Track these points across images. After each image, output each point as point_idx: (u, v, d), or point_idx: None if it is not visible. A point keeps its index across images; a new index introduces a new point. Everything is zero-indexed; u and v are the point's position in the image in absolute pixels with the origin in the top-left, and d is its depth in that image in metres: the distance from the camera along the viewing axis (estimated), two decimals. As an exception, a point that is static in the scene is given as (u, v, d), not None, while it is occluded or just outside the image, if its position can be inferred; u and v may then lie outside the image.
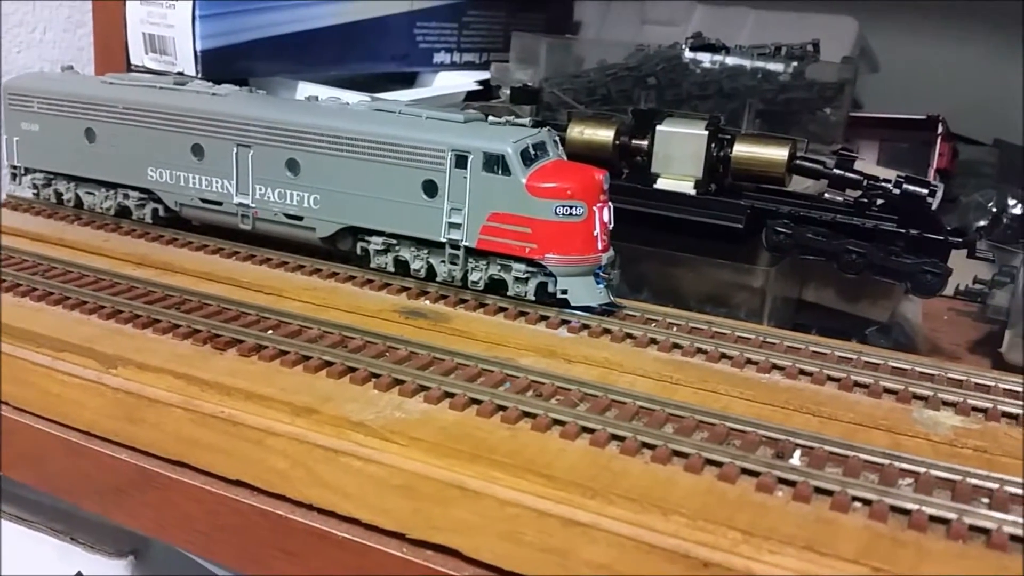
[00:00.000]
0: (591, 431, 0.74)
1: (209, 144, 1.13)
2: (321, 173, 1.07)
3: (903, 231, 1.09)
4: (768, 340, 0.96)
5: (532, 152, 0.98)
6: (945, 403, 0.84)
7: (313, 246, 1.11)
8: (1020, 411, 0.82)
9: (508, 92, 1.37)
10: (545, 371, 0.83)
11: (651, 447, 0.72)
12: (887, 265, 1.10)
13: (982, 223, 1.44)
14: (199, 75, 1.33)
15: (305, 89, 1.46)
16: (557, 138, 1.04)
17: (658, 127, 1.19)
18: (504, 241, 0.98)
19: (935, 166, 1.54)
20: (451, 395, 0.79)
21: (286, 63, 1.46)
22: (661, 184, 1.20)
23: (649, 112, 1.23)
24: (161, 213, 1.21)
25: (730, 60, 1.40)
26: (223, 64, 1.36)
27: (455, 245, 1.01)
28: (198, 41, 1.32)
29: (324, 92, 1.44)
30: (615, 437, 0.73)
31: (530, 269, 0.99)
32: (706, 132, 1.17)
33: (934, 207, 1.28)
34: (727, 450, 0.70)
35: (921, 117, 1.56)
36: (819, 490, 0.67)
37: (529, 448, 0.72)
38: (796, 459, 0.71)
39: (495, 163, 0.97)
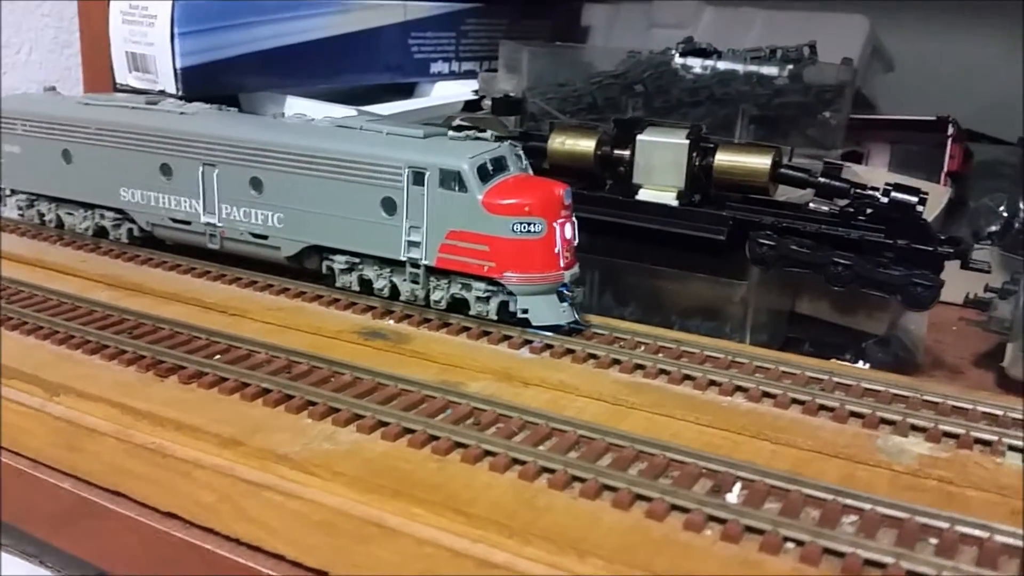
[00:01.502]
0: (522, 463, 0.70)
1: (177, 163, 1.12)
2: (284, 191, 1.05)
3: (890, 241, 1.04)
4: (737, 359, 0.92)
5: (490, 168, 0.95)
6: (915, 428, 0.79)
7: (283, 265, 1.09)
8: (995, 438, 0.77)
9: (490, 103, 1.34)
10: (490, 397, 0.80)
11: (581, 480, 0.68)
12: (875, 277, 1.05)
13: (993, 228, 1.38)
14: (180, 93, 1.32)
15: (294, 104, 1.44)
16: (520, 152, 1.00)
17: (639, 137, 1.16)
18: (463, 259, 0.95)
19: (946, 169, 1.47)
20: (384, 424, 0.76)
21: (274, 78, 1.44)
22: (643, 195, 1.16)
23: (631, 121, 1.19)
24: (136, 233, 1.20)
25: (722, 65, 1.35)
26: (206, 81, 1.34)
27: (415, 264, 0.98)
28: (178, 59, 1.31)
29: (313, 106, 1.43)
30: (546, 469, 0.70)
31: (491, 288, 0.96)
32: (687, 141, 1.13)
33: (925, 215, 1.22)
34: (659, 484, 0.66)
35: (931, 118, 1.49)
36: (752, 529, 0.63)
37: (454, 482, 0.69)
38: (735, 494, 0.67)
39: (452, 179, 0.94)
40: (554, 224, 0.94)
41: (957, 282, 1.08)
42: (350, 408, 0.78)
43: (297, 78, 1.47)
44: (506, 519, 0.64)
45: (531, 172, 1.01)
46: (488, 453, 0.72)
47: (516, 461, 0.71)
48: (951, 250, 1.02)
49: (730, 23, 1.83)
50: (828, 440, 0.77)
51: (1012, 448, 0.76)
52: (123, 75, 1.38)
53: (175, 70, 1.31)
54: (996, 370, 1.11)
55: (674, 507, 0.65)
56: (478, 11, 1.76)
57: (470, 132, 0.99)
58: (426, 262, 0.97)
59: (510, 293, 0.95)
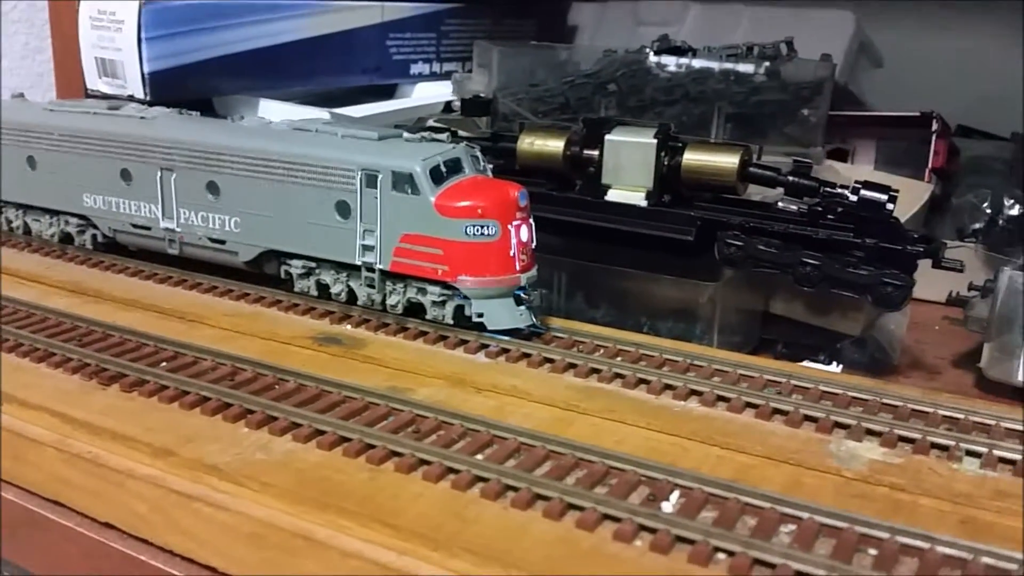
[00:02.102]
0: (457, 472, 0.68)
1: (136, 169, 1.10)
2: (240, 195, 1.03)
3: (858, 240, 1.02)
4: (696, 363, 0.90)
5: (443, 169, 0.93)
6: (870, 432, 0.77)
7: (244, 270, 1.08)
8: (952, 442, 0.74)
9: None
10: (433, 405, 0.78)
11: (515, 490, 0.66)
12: (844, 277, 1.02)
13: (977, 226, 1.35)
14: (148, 98, 1.31)
15: (267, 107, 1.43)
16: (478, 154, 0.98)
17: (607, 136, 1.13)
18: (417, 263, 0.94)
19: (930, 165, 1.44)
20: (321, 433, 0.74)
21: (246, 81, 1.43)
22: (612, 196, 1.14)
23: (599, 121, 1.17)
24: (100, 239, 1.19)
25: (697, 63, 1.33)
26: (174, 85, 1.33)
27: (371, 268, 0.97)
28: (145, 64, 1.30)
29: (286, 109, 1.42)
30: (480, 479, 0.68)
31: (445, 292, 0.94)
32: (654, 141, 1.11)
33: (901, 213, 1.20)
34: (592, 494, 0.64)
35: (914, 114, 1.47)
36: (684, 539, 0.61)
37: (384, 493, 0.67)
38: (671, 503, 0.65)
39: (404, 182, 0.92)
40: (509, 226, 0.92)
41: (941, 280, 1.06)
42: (287, 417, 0.76)
43: (270, 81, 1.46)
44: (432, 531, 0.62)
45: (490, 174, 0.99)
46: (423, 462, 0.70)
47: (450, 470, 0.69)
48: (920, 249, 1.00)
49: (716, 21, 1.81)
50: (778, 445, 0.75)
51: (970, 453, 0.74)
52: (93, 81, 1.37)
53: (143, 75, 1.30)
54: (975, 371, 1.09)
55: (606, 517, 0.63)
56: (459, 11, 1.74)
57: (426, 134, 0.97)
58: (381, 266, 0.96)
59: (465, 297, 0.93)
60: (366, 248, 0.96)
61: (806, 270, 1.04)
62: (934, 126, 1.43)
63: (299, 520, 0.65)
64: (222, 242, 1.06)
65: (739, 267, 1.08)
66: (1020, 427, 0.77)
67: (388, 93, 1.69)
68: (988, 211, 1.34)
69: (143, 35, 1.29)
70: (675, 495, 0.66)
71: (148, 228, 1.11)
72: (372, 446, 0.72)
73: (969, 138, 1.62)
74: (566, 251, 1.18)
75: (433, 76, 1.72)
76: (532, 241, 0.96)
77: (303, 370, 0.85)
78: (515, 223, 0.92)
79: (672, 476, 0.67)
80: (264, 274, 1.07)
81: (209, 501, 0.69)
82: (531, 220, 0.96)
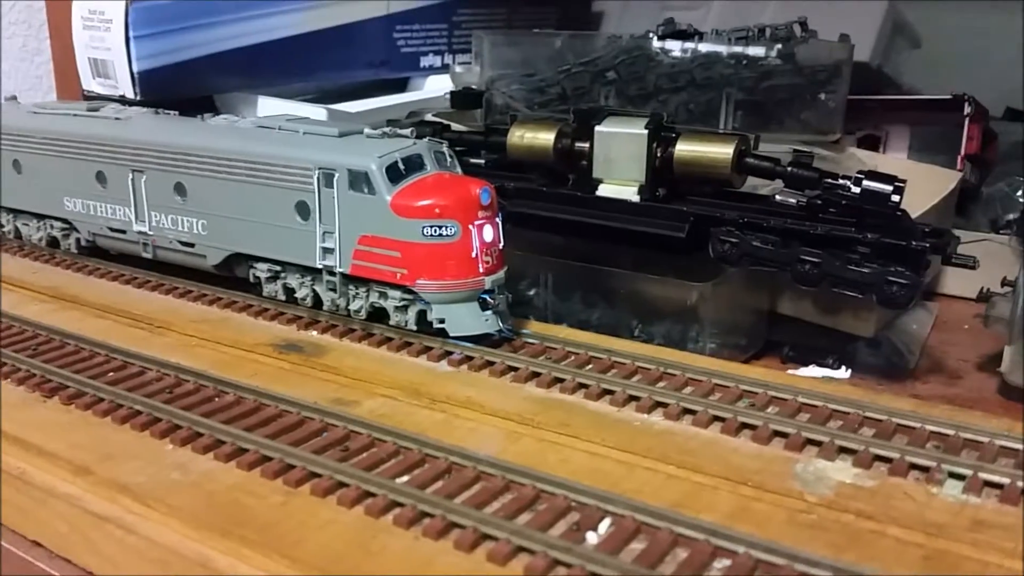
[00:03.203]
0: (373, 496, 0.63)
1: (110, 171, 1.08)
2: (206, 197, 1.00)
3: (859, 236, 0.94)
4: (669, 371, 0.83)
5: (402, 167, 0.88)
6: (844, 451, 0.70)
7: (218, 274, 1.05)
8: (932, 463, 0.67)
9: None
10: (370, 420, 0.74)
11: (430, 516, 0.61)
12: (845, 276, 0.95)
13: (1011, 216, 1.24)
14: (139, 97, 1.28)
15: (265, 104, 1.40)
16: (445, 150, 0.93)
17: (597, 128, 1.07)
18: (375, 266, 0.89)
19: (963, 151, 1.34)
20: (243, 451, 0.70)
21: (243, 78, 1.40)
22: (603, 190, 1.08)
23: (590, 112, 1.10)
24: (82, 243, 1.17)
25: (703, 47, 1.25)
26: (166, 84, 1.31)
27: (332, 271, 0.92)
28: (134, 63, 1.27)
29: (284, 106, 1.38)
30: (396, 504, 0.63)
31: (407, 296, 0.89)
32: (645, 131, 1.04)
33: (922, 203, 1.11)
34: (509, 524, 0.59)
35: (946, 97, 1.37)
36: (600, 577, 0.55)
37: (293, 519, 0.62)
38: (598, 534, 0.59)
39: (361, 181, 0.88)
40: (470, 226, 0.86)
41: (975, 274, 0.97)
42: (212, 434, 0.72)
43: (269, 78, 1.42)
44: (332, 564, 0.57)
45: (458, 170, 0.93)
46: (341, 485, 0.65)
47: (367, 494, 0.64)
48: (926, 244, 0.91)
49: (745, 1, 1.72)
50: (739, 465, 0.68)
51: (953, 476, 0.66)
52: (88, 81, 1.35)
53: (132, 74, 1.28)
54: (999, 375, 1.00)
55: (521, 549, 0.57)
56: (472, 1, 1.68)
57: (388, 130, 0.92)
58: (341, 270, 0.91)
59: (428, 302, 0.88)
60: (326, 251, 0.91)
61: (805, 268, 0.96)
62: (966, 109, 1.33)
63: (202, 547, 0.61)
64: (191, 245, 1.03)
65: (735, 265, 1.01)
66: (1018, 445, 0.69)
67: (399, 87, 1.65)
68: (1022, 200, 1.24)
69: (131, 34, 1.26)
70: (605, 524, 0.60)
71: (123, 232, 1.09)
72: (291, 467, 0.67)
73: (1018, 122, 1.51)
74: (557, 250, 1.13)
75: (445, 69, 1.66)
76: (499, 241, 0.90)
77: (245, 382, 0.81)
78: (477, 223, 0.87)
79: (605, 502, 0.61)
80: (233, 278, 1.04)
81: (121, 523, 0.65)
82: (497, 219, 0.90)
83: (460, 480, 0.65)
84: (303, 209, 0.92)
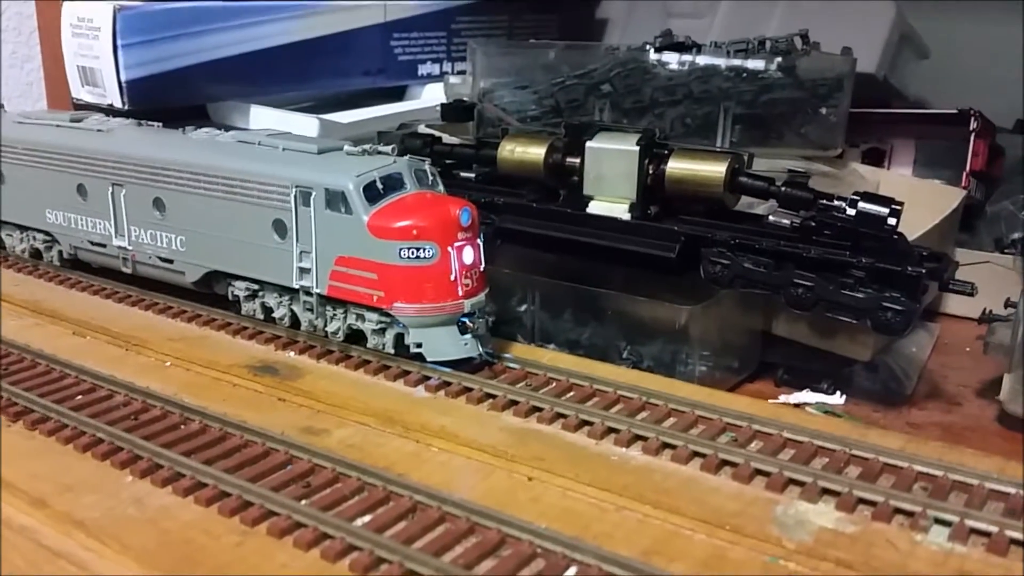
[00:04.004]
0: (331, 538, 0.61)
1: (90, 184, 1.06)
2: (184, 213, 0.98)
3: (854, 260, 0.91)
4: (652, 401, 0.81)
5: (380, 186, 0.85)
6: (827, 492, 0.67)
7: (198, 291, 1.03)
8: (918, 508, 0.64)
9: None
10: (336, 453, 0.71)
11: (387, 562, 0.58)
12: (839, 300, 0.92)
13: (1016, 236, 1.21)
14: (126, 106, 1.26)
15: (257, 113, 1.38)
16: (427, 168, 0.90)
17: (587, 143, 1.05)
18: (352, 288, 0.87)
19: (969, 167, 1.31)
20: (202, 486, 0.68)
21: (235, 87, 1.38)
22: (594, 208, 1.05)
23: (581, 126, 1.08)
24: (65, 255, 1.15)
25: (701, 59, 1.22)
26: (156, 93, 1.29)
27: (309, 292, 0.90)
28: (122, 71, 1.25)
29: (275, 115, 1.36)
30: (353, 548, 0.60)
31: (384, 319, 0.87)
32: (637, 148, 1.01)
33: (921, 223, 1.08)
34: (468, 574, 0.56)
35: (951, 111, 1.33)
36: (559, 633, 0.52)
37: (247, 562, 0.60)
38: (562, 582, 0.56)
39: (338, 200, 0.85)
40: (449, 248, 0.84)
41: (979, 294, 0.94)
42: (172, 466, 0.70)
43: (261, 86, 1.40)
44: (282, 611, 0.55)
45: (440, 189, 0.91)
46: (299, 525, 0.62)
47: (325, 536, 0.61)
48: (922, 270, 0.88)
49: (749, 11, 1.69)
50: (717, 506, 0.66)
51: (939, 522, 0.63)
52: (77, 89, 1.34)
53: (120, 83, 1.26)
54: (999, 403, 0.97)
55: (477, 601, 0.55)
56: (472, 8, 1.66)
57: (368, 147, 0.90)
58: (318, 290, 0.89)
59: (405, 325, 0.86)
60: (303, 271, 0.89)
61: (798, 292, 0.94)
62: (972, 124, 1.29)
63: (152, 590, 0.59)
64: (171, 261, 1.01)
65: (726, 287, 0.98)
66: (1009, 488, 0.66)
67: (398, 95, 1.63)
68: (1027, 219, 1.21)
69: (119, 42, 1.25)
70: (570, 573, 0.57)
71: (103, 245, 1.07)
72: (250, 504, 0.65)
73: (1029, 136, 1.47)
74: (547, 267, 1.10)
75: (456, 76, 1.63)
76: (480, 263, 0.87)
77: (212, 410, 0.78)
78: (457, 244, 0.84)
79: (572, 549, 0.58)
80: (213, 295, 1.02)
81: (74, 560, 0.63)
82: (479, 240, 0.87)
83: (424, 521, 0.62)
84: (280, 227, 0.90)
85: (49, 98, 1.40)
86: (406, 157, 0.89)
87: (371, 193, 0.85)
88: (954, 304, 1.24)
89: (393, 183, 0.86)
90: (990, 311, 0.98)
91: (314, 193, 0.86)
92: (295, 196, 0.87)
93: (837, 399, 0.99)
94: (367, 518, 0.63)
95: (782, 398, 0.99)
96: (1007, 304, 0.98)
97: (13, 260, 1.23)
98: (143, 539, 0.63)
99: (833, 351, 1.04)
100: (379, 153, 0.90)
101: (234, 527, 0.64)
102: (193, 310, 1.03)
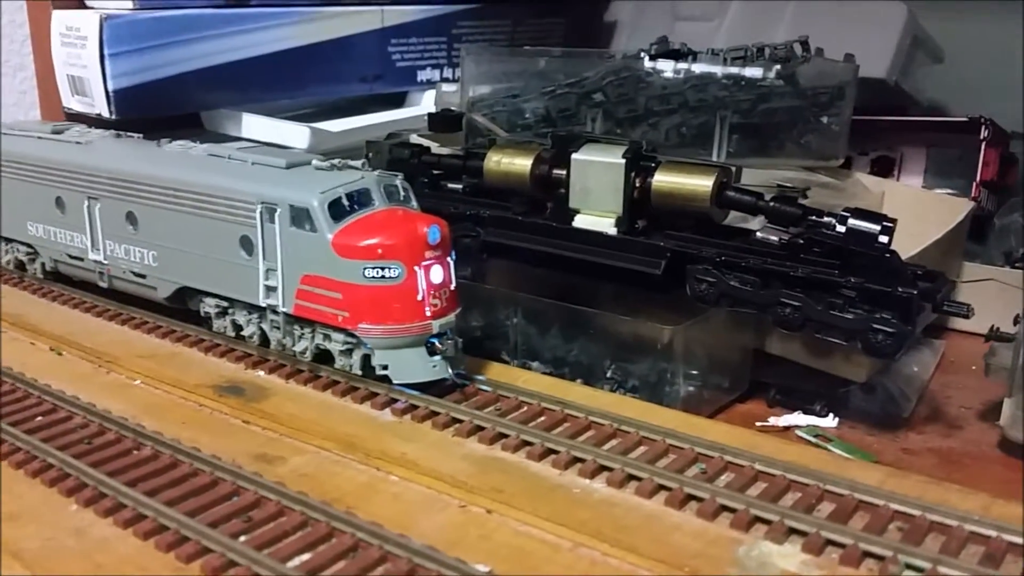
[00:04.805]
0: (264, 577, 0.58)
1: (68, 197, 1.04)
2: (156, 227, 0.96)
3: (842, 279, 0.87)
4: (622, 428, 0.77)
5: (346, 203, 0.83)
6: (794, 532, 0.63)
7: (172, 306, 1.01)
8: (889, 553, 0.60)
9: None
10: (281, 485, 0.68)
11: (319, 608, 0.56)
12: (828, 321, 0.88)
13: (1024, 250, 1.16)
14: (113, 116, 1.25)
15: (249, 121, 1.36)
16: (399, 183, 0.88)
17: (573, 155, 1.01)
18: (318, 308, 0.84)
19: (979, 178, 1.26)
20: (143, 517, 0.65)
21: (227, 95, 1.36)
22: (579, 222, 1.02)
23: (568, 137, 1.05)
24: (48, 267, 1.14)
25: (697, 67, 1.18)
26: (145, 102, 1.27)
27: (276, 310, 0.87)
28: (109, 81, 1.24)
29: (266, 123, 1.34)
30: (287, 589, 0.57)
31: (350, 340, 0.84)
32: (623, 160, 0.98)
33: (921, 237, 1.04)
34: (397, 619, 0.53)
35: (962, 119, 1.28)
36: None
37: (174, 601, 0.58)
38: (496, 633, 0.53)
39: (303, 217, 0.83)
40: (416, 268, 0.81)
41: (988, 309, 0.92)
42: (116, 496, 0.67)
43: (254, 94, 1.38)
44: (202, 659, 0.52)
45: (413, 205, 0.88)
46: (232, 564, 0.60)
47: None
48: (913, 291, 0.84)
49: (759, 15, 1.65)
50: (678, 546, 0.62)
51: (911, 567, 0.59)
52: (67, 99, 1.32)
53: (107, 93, 1.24)
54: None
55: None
56: (473, 13, 1.63)
57: (336, 161, 0.87)
58: (284, 309, 0.86)
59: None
60: (269, 289, 0.87)
61: (786, 311, 0.90)
62: (983, 132, 1.24)
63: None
64: (144, 276, 0.99)
65: (712, 305, 0.94)
66: (990, 531, 0.62)
67: (397, 102, 1.60)
68: (1036, 234, 1.16)
69: (106, 51, 1.23)
70: (508, 621, 0.54)
71: (81, 259, 1.05)
72: (186, 539, 0.62)
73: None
74: (532, 282, 1.07)
75: (445, 83, 1.61)
76: (450, 282, 0.85)
77: (167, 436, 0.76)
78: (425, 263, 0.82)
79: (509, 595, 0.55)
80: (190, 310, 1.00)
81: (4, 602, 0.61)
82: (449, 258, 0.84)
83: (363, 561, 0.60)
84: (247, 244, 0.88)
85: (42, 106, 1.39)
86: (376, 172, 0.86)
87: (336, 210, 0.82)
88: (961, 320, 1.20)
89: (361, 199, 0.84)
90: (997, 328, 0.94)
91: (279, 209, 0.84)
92: (260, 212, 0.85)
93: (829, 422, 0.96)
94: (305, 556, 0.61)
95: (772, 420, 0.96)
96: (1016, 321, 0.94)
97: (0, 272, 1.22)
98: (76, 572, 0.60)
99: (828, 371, 1.00)
100: (349, 167, 0.87)
101: (169, 563, 0.61)
102: (168, 325, 1.01)
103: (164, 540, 0.63)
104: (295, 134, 1.31)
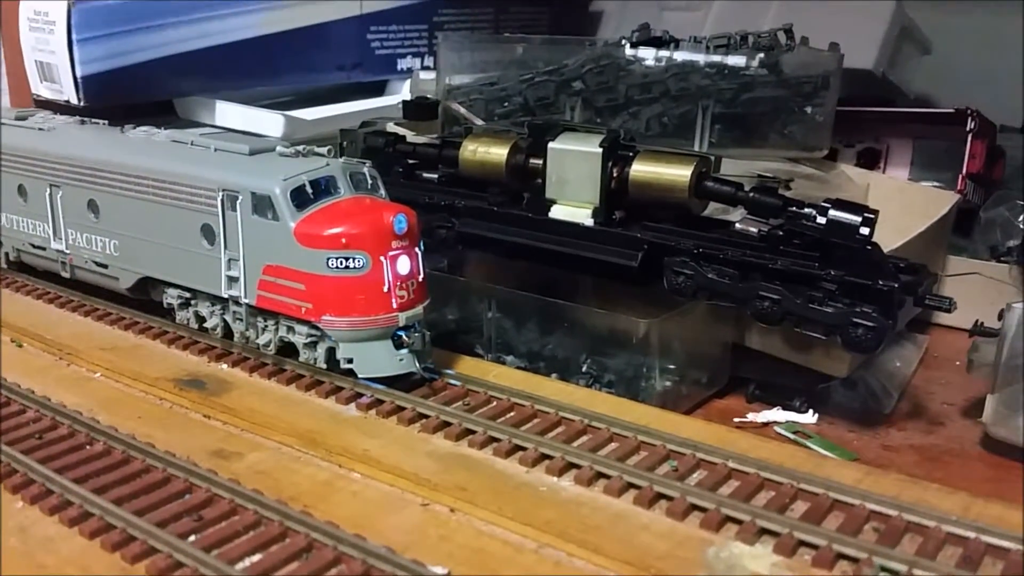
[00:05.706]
0: (212, 581, 0.56)
1: (30, 185, 1.02)
2: (117, 216, 0.93)
3: (822, 272, 0.85)
4: (593, 424, 0.75)
5: (310, 191, 0.80)
6: (766, 532, 0.61)
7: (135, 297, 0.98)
8: (863, 555, 0.58)
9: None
10: (234, 482, 0.66)
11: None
12: (807, 315, 0.86)
13: (1012, 243, 1.14)
14: (82, 103, 1.21)
15: (223, 109, 1.33)
16: (367, 171, 0.85)
17: (550, 144, 0.99)
18: (281, 299, 0.81)
19: (965, 170, 1.23)
20: (89, 516, 0.63)
21: (200, 82, 1.32)
22: (555, 212, 0.99)
23: (545, 126, 1.02)
24: (11, 257, 1.11)
25: (679, 55, 1.15)
26: (112, 89, 1.23)
27: (238, 302, 0.85)
28: (77, 67, 1.20)
29: (240, 111, 1.31)
30: (235, 592, 0.55)
31: (314, 332, 0.82)
32: (600, 150, 0.96)
33: (903, 230, 1.01)
34: (346, 625, 0.51)
35: (948, 110, 1.26)
36: None
37: (116, 605, 0.55)
38: (450, 639, 0.51)
39: (264, 205, 0.80)
40: (382, 258, 0.78)
41: (973, 303, 0.92)
42: (63, 493, 0.65)
43: (227, 81, 1.35)
44: (140, 666, 0.50)
45: (381, 193, 0.85)
46: (178, 565, 0.57)
47: (205, 577, 0.56)
48: (894, 284, 0.82)
49: (746, 4, 1.63)
50: (645, 547, 0.60)
51: (886, 570, 0.57)
52: (36, 85, 1.29)
53: (75, 79, 1.21)
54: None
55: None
56: (455, 0, 1.60)
57: (301, 147, 0.85)
58: (246, 300, 0.84)
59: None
60: (231, 279, 0.84)
61: (764, 305, 0.87)
62: (969, 124, 1.22)
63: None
64: (105, 266, 0.96)
65: (690, 299, 0.92)
66: (969, 532, 0.60)
67: (378, 90, 1.57)
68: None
69: (74, 36, 1.19)
70: (463, 627, 0.52)
71: (43, 248, 1.03)
72: (133, 538, 0.60)
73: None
74: (507, 274, 1.05)
75: (425, 71, 1.58)
76: (418, 273, 0.82)
77: (121, 431, 0.73)
78: (391, 254, 0.79)
79: (466, 599, 0.53)
80: (153, 301, 0.97)
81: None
82: (417, 249, 0.82)
83: (317, 563, 0.57)
84: (209, 233, 0.85)
85: (11, 94, 1.36)
86: (342, 160, 0.83)
87: (300, 198, 0.79)
88: (946, 314, 1.17)
89: (326, 187, 0.81)
90: (982, 323, 0.92)
91: (240, 197, 0.81)
92: (222, 200, 0.82)
93: (809, 418, 0.94)
94: (256, 557, 0.58)
95: (751, 416, 0.93)
96: (1000, 316, 0.92)
97: (-37, 262, 1.19)
98: (13, 567, 0.58)
99: (809, 366, 0.98)
100: (314, 154, 0.85)
101: (114, 564, 0.59)
102: (131, 317, 0.98)
103: (110, 539, 0.60)
104: (269, 122, 1.28)
